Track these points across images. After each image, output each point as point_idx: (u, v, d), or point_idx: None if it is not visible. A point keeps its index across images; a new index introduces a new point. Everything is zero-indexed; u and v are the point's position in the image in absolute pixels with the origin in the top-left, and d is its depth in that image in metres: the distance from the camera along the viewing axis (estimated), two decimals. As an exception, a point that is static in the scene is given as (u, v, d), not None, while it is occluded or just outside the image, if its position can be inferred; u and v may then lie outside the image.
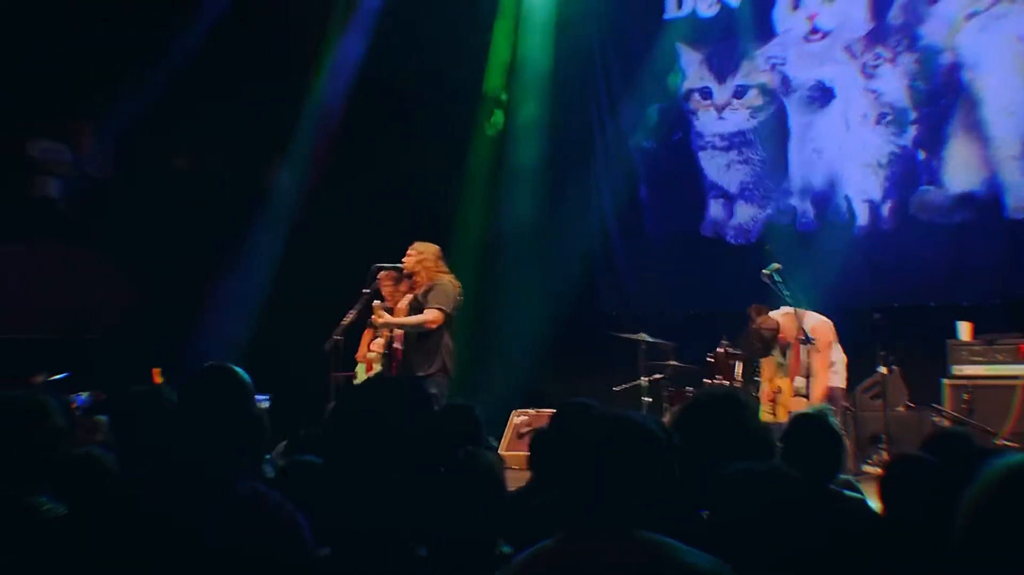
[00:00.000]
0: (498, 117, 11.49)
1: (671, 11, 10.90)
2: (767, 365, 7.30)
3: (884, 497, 3.24)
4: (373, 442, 1.74)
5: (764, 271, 6.98)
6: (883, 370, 8.28)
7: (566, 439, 2.27)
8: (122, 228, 11.29)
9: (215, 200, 11.95)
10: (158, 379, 8.23)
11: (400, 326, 7.23)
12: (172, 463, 2.42)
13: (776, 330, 6.90)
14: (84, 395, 8.29)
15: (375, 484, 1.72)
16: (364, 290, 7.49)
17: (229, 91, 10.53)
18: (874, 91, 9.84)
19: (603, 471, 2.14)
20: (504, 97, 11.47)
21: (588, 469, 2.17)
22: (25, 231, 10.30)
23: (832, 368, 7.26)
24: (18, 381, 7.44)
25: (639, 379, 8.97)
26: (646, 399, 8.82)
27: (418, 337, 7.22)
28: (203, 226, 11.31)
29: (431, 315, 7.13)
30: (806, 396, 6.93)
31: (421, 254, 7.35)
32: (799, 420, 3.68)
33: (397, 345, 7.34)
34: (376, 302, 7.39)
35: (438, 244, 7.56)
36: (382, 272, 7.50)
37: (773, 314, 7.21)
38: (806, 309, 7.30)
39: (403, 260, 7.37)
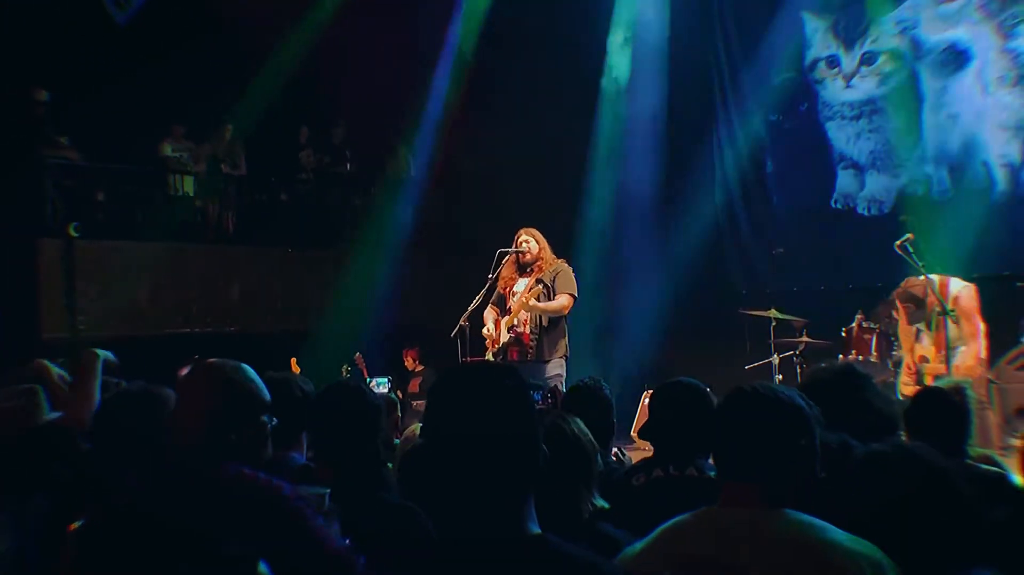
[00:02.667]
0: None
1: (795, -22, 10.64)
2: (905, 336, 7.09)
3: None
4: (467, 430, 1.77)
5: (897, 242, 6.77)
6: (1028, 339, 7.96)
7: (717, 417, 2.26)
8: (256, 224, 11.72)
9: (342, 191, 12.28)
10: (296, 369, 8.50)
11: (544, 311, 7.32)
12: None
13: (924, 294, 6.69)
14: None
15: (465, 473, 1.76)
16: (490, 275, 7.56)
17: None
18: (1012, 51, 9.42)
19: (751, 444, 2.15)
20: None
21: (738, 444, 2.18)
22: (163, 230, 10.73)
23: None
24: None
25: (771, 357, 8.83)
26: (778, 377, 8.67)
27: (548, 322, 7.32)
28: (330, 216, 11.64)
29: (567, 301, 7.28)
30: (946, 366, 6.68)
31: (538, 240, 7.45)
32: (920, 395, 3.59)
33: (522, 329, 7.39)
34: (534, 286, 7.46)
35: (564, 223, 7.63)
36: (508, 258, 7.55)
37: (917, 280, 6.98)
38: (947, 276, 7.05)
39: (520, 245, 7.44)
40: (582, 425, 2.90)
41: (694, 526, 2.19)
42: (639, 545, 2.25)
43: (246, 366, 2.70)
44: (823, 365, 3.37)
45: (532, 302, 7.25)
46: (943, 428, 3.37)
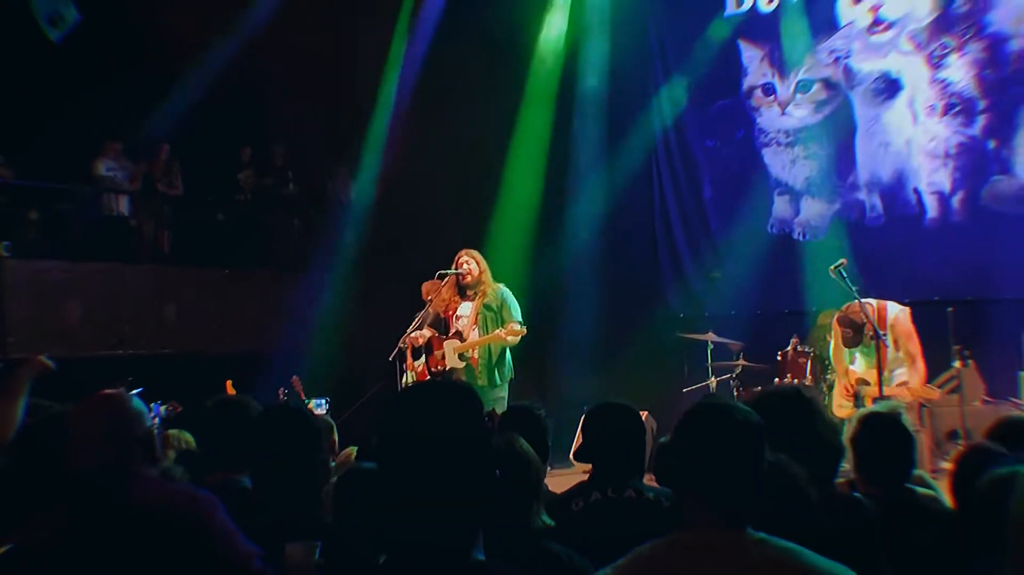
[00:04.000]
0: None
1: (730, 8, 10.82)
2: (838, 358, 7.19)
3: (955, 492, 3.17)
4: (421, 448, 1.74)
5: (831, 267, 6.89)
6: (958, 364, 8.12)
7: (684, 439, 2.23)
8: (193, 244, 11.57)
9: (283, 212, 12.18)
10: (231, 391, 8.39)
11: (503, 343, 7.29)
12: None
13: (862, 320, 6.78)
14: (162, 408, 8.46)
15: (424, 490, 1.73)
16: (429, 297, 7.54)
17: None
18: (941, 81, 9.67)
19: (719, 467, 2.13)
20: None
21: (704, 465, 2.15)
22: (97, 249, 10.56)
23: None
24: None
25: (708, 380, 8.91)
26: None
27: (499, 350, 7.33)
28: (271, 237, 11.54)
29: (518, 328, 7.23)
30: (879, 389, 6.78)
31: (479, 262, 7.40)
32: (868, 421, 3.61)
33: (470, 354, 7.37)
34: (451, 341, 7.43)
35: (502, 246, 7.62)
36: (447, 280, 7.53)
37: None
38: (884, 301, 7.17)
39: (460, 266, 7.41)
40: (526, 444, 2.89)
41: (669, 551, 2.12)
42: (608, 570, 2.19)
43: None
44: (773, 387, 3.40)
45: (497, 332, 7.24)
46: (894, 454, 3.38)
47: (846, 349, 7.05)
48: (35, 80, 10.27)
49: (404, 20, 11.77)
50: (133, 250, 11.12)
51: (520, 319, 7.30)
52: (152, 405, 7.43)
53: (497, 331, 7.18)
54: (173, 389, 8.66)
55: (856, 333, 6.83)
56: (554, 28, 11.45)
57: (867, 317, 6.63)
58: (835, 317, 6.99)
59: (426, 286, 7.87)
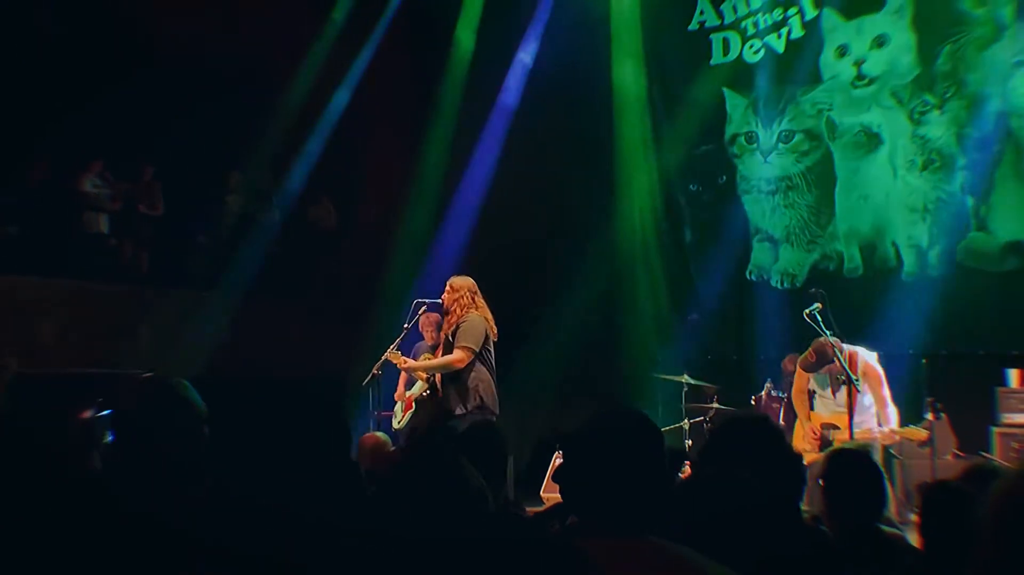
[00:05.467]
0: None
1: (717, 56, 10.95)
2: (800, 402, 7.21)
3: (923, 529, 3.17)
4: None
5: (806, 311, 6.93)
6: (930, 417, 8.14)
7: (593, 445, 2.24)
8: (172, 264, 11.52)
9: (262, 238, 12.16)
10: None
11: (425, 369, 7.20)
12: None
13: (831, 356, 6.80)
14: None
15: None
16: (405, 325, 7.52)
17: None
18: (922, 137, 9.80)
19: (616, 473, 2.13)
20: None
21: (600, 470, 2.16)
22: (75, 267, 10.49)
23: (873, 411, 7.12)
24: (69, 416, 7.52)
25: (682, 421, 8.90)
26: (688, 442, 8.74)
27: (451, 377, 7.11)
28: (250, 261, 11.51)
29: (456, 355, 6.99)
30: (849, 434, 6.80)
31: (456, 291, 7.23)
32: (838, 458, 3.61)
33: (434, 381, 7.33)
34: (391, 351, 7.36)
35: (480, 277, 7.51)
36: (423, 309, 7.51)
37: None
38: (855, 348, 7.20)
39: (442, 297, 7.34)
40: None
41: None
42: None
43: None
44: (743, 411, 3.41)
45: (408, 363, 7.20)
46: (865, 489, 3.38)
47: (805, 396, 7.09)
48: (19, 94, 10.24)
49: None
50: (111, 269, 11.05)
51: (469, 344, 6.98)
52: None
53: (408, 362, 7.19)
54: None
55: (819, 361, 6.85)
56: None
57: (839, 359, 6.66)
58: (804, 353, 7.03)
59: (423, 319, 7.85)
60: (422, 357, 7.56)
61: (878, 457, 6.81)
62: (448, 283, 7.34)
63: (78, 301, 10.33)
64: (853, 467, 3.48)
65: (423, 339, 7.99)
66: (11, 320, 9.73)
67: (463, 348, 6.99)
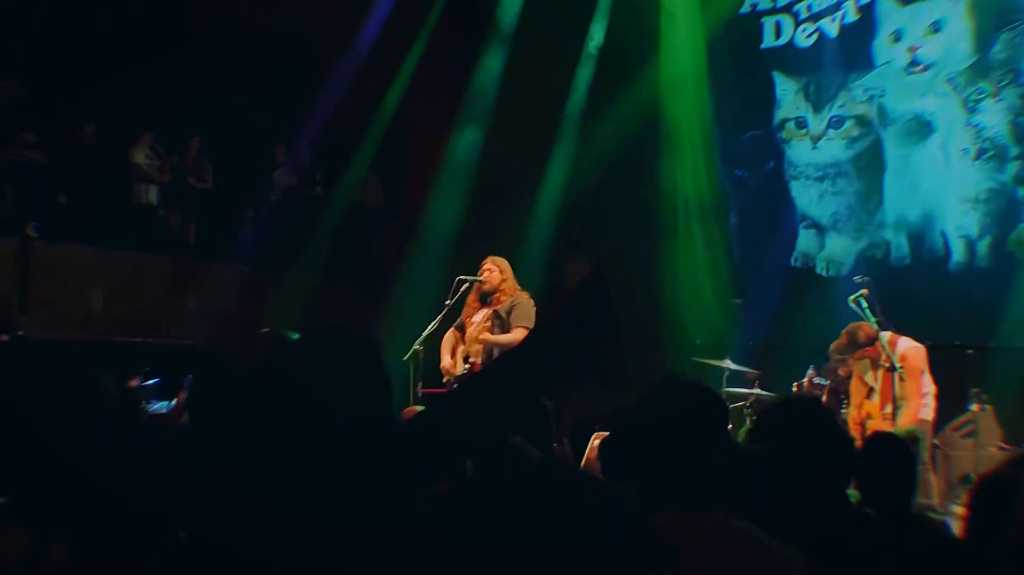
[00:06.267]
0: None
1: (768, 40, 10.85)
2: (856, 391, 7.17)
3: (969, 517, 3.14)
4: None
5: (851, 297, 6.89)
6: (975, 408, 8.05)
7: (656, 418, 2.23)
8: (219, 238, 11.64)
9: (311, 212, 12.24)
10: None
11: (494, 344, 7.27)
12: None
13: (873, 337, 6.76)
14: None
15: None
16: (447, 302, 7.56)
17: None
18: (975, 125, 9.64)
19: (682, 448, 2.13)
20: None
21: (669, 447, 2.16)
22: (126, 238, 10.63)
23: (922, 400, 7.07)
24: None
25: (722, 406, 8.85)
26: (728, 426, 8.70)
27: (499, 355, 7.24)
28: (297, 237, 11.59)
29: (520, 334, 7.11)
30: (892, 422, 6.76)
31: (503, 270, 7.38)
32: (872, 439, 3.61)
33: (474, 359, 7.37)
34: (477, 326, 7.41)
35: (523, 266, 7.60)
36: (465, 285, 7.54)
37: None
38: (898, 334, 7.14)
39: (483, 274, 7.42)
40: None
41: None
42: None
43: None
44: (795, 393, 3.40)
45: (483, 335, 7.23)
46: (893, 473, 3.37)
47: (865, 385, 7.04)
48: (74, 62, 10.38)
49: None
50: (159, 240, 11.19)
51: (528, 324, 7.14)
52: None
53: (485, 334, 7.19)
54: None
55: (850, 345, 6.82)
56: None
57: (882, 346, 6.61)
58: (844, 331, 6.99)
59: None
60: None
61: (926, 445, 6.77)
62: (490, 261, 7.42)
63: (127, 271, 10.48)
64: (881, 450, 3.47)
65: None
66: (62, 288, 9.90)
67: (524, 328, 7.14)
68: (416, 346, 7.41)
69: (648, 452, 2.16)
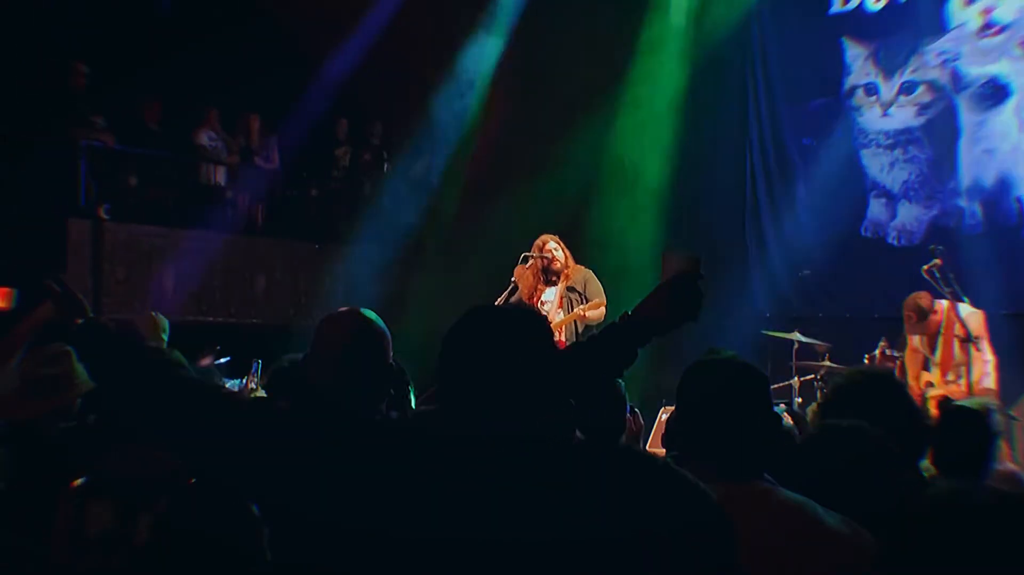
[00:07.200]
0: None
1: (836, 5, 10.63)
2: (912, 362, 7.08)
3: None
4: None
5: (925, 267, 6.78)
6: (1051, 378, 7.87)
7: (697, 392, 2.27)
8: (287, 218, 11.78)
9: (373, 190, 12.30)
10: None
11: (591, 321, 7.37)
12: None
13: (931, 308, 6.68)
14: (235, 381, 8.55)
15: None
16: (513, 279, 7.58)
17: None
18: (1052, 89, 9.38)
19: (716, 420, 2.14)
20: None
21: (703, 419, 2.18)
22: (193, 217, 10.80)
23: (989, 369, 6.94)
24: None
25: (791, 379, 8.77)
26: (798, 399, 8.61)
27: (583, 330, 7.37)
28: (360, 213, 11.66)
29: (598, 302, 7.38)
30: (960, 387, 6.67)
31: (563, 248, 7.50)
32: (948, 410, 3.54)
33: (558, 337, 7.40)
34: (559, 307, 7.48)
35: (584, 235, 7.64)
36: (531, 262, 7.56)
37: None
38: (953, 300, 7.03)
39: (546, 252, 7.47)
40: None
41: None
42: None
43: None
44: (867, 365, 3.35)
45: (589, 313, 7.30)
46: (968, 446, 3.32)
47: (919, 354, 6.95)
48: (141, 45, 10.53)
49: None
50: (228, 220, 11.35)
51: (604, 299, 7.32)
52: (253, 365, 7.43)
53: (576, 309, 7.23)
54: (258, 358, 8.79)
55: (920, 320, 6.73)
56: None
57: (954, 314, 6.51)
58: (904, 303, 6.91)
59: (518, 270, 7.94)
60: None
61: (998, 416, 6.64)
62: (549, 238, 7.48)
63: (197, 251, 10.64)
64: (957, 421, 3.41)
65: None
66: (134, 269, 10.09)
67: (603, 303, 7.39)
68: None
69: (694, 427, 2.19)
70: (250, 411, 2.10)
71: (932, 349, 6.92)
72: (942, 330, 6.90)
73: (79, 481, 2.85)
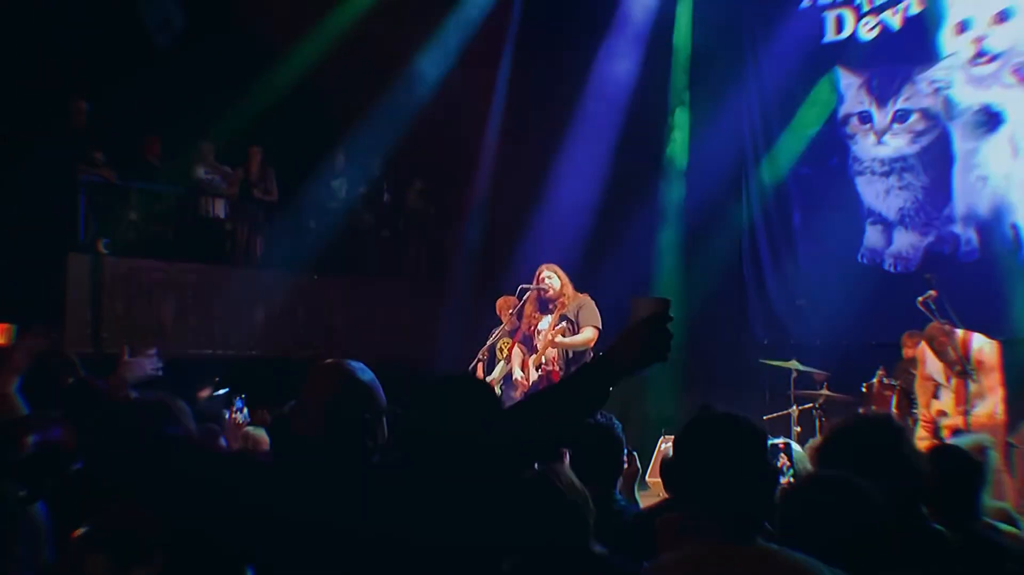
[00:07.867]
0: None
1: (829, 35, 10.72)
2: (923, 391, 7.07)
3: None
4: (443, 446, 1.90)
5: (920, 298, 6.79)
6: (1051, 405, 7.87)
7: (694, 451, 2.28)
8: (286, 249, 11.81)
9: (374, 221, 12.34)
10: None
11: (569, 346, 7.32)
12: None
13: (947, 340, 6.69)
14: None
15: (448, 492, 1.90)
16: (511, 311, 7.60)
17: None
18: (1045, 115, 9.43)
19: (719, 477, 2.16)
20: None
21: (705, 475, 2.18)
22: (192, 250, 10.83)
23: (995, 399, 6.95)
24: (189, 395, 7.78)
25: (790, 408, 8.78)
26: (796, 429, 8.63)
27: (573, 356, 7.30)
28: (360, 245, 11.68)
29: (592, 334, 7.24)
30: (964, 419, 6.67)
31: (560, 276, 7.47)
32: (937, 451, 3.56)
33: (551, 367, 7.39)
34: (552, 329, 7.45)
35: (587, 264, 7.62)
36: (528, 294, 7.58)
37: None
38: (970, 331, 7.03)
39: (541, 282, 7.47)
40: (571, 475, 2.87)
41: (677, 565, 2.14)
42: None
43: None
44: (864, 413, 3.36)
45: (558, 339, 7.26)
46: (957, 486, 3.32)
47: (931, 383, 6.93)
48: (137, 80, 10.59)
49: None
50: (227, 253, 11.38)
51: (597, 324, 7.23)
52: (237, 400, 7.54)
53: (547, 336, 7.22)
54: (257, 391, 8.80)
55: (940, 346, 6.74)
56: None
57: (955, 348, 6.52)
58: (924, 337, 6.90)
59: (500, 302, 7.97)
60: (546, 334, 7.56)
61: (997, 446, 6.65)
62: (548, 268, 7.48)
63: (196, 284, 10.67)
64: (945, 462, 3.42)
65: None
66: (134, 302, 10.12)
67: (595, 328, 7.26)
68: (480, 355, 7.46)
69: (690, 482, 2.20)
70: (228, 469, 2.15)
71: (947, 379, 6.92)
72: (952, 359, 6.90)
73: (80, 531, 2.87)
